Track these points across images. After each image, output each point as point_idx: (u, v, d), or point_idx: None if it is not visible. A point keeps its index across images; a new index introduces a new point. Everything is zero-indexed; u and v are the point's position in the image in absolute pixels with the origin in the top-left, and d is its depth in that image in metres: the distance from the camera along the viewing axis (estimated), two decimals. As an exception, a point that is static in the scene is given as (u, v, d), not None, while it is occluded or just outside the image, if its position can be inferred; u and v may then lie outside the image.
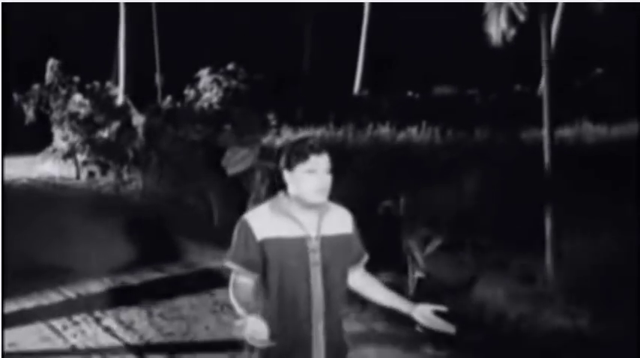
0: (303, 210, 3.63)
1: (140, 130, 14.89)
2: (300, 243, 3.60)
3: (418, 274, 8.22)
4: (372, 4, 24.42)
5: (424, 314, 3.66)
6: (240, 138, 11.30)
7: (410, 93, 22.22)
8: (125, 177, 15.76)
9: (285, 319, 3.59)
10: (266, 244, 3.57)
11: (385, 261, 7.54)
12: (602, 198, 9.60)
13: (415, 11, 25.04)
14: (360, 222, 3.83)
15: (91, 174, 17.09)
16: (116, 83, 21.31)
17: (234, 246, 3.64)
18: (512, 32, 21.80)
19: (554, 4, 23.77)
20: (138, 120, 15.07)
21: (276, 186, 3.63)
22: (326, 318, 3.64)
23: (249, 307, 3.45)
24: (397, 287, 7.44)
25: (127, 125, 15.50)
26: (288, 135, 17.46)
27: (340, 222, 3.77)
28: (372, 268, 3.95)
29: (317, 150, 3.56)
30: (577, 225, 8.22)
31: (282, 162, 3.64)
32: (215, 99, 20.36)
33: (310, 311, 3.61)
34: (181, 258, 10.32)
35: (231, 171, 10.58)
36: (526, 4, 21.32)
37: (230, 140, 11.44)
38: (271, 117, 18.62)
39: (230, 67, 20.61)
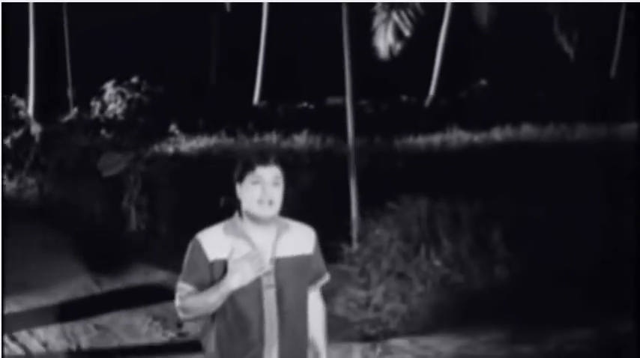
0: (257, 229, 3.57)
1: (37, 139, 16.09)
2: None
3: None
4: (270, 17, 25.76)
5: None
6: (117, 145, 12.60)
7: (305, 104, 23.60)
8: (29, 182, 16.83)
9: (236, 342, 3.51)
10: (216, 266, 3.50)
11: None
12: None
13: (313, 25, 26.48)
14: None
15: (-1, 179, 18.10)
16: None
17: (186, 267, 3.59)
18: (399, 46, 23.60)
19: (440, 19, 25.45)
20: (35, 129, 16.27)
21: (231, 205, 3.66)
22: (281, 342, 3.53)
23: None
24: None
25: (27, 134, 16.64)
26: (183, 143, 18.83)
27: (299, 242, 3.66)
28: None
29: (264, 161, 3.53)
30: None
31: (235, 175, 3.62)
32: (119, 111, 21.63)
33: (262, 335, 3.51)
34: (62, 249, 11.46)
35: (106, 173, 11.93)
36: (411, 19, 23.13)
37: (107, 146, 12.74)
38: (174, 127, 19.88)
39: (134, 80, 21.93)
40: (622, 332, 6.96)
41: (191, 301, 3.50)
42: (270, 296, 3.50)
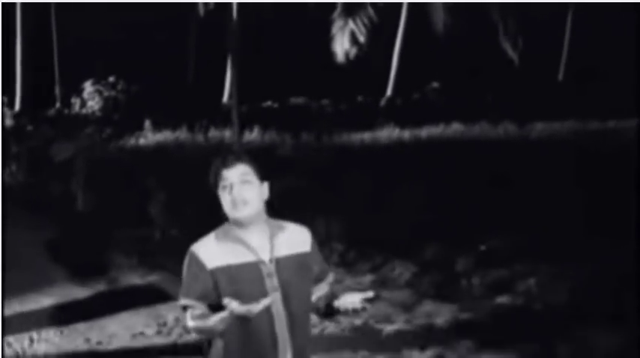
0: (250, 232, 3.43)
1: (8, 130, 18.19)
2: (254, 269, 3.39)
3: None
4: (239, 21, 27.41)
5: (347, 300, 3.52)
6: (66, 134, 14.69)
7: (269, 103, 25.51)
8: (7, 170, 18.85)
9: (247, 350, 3.40)
10: (217, 273, 3.36)
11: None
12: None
13: (278, 31, 28.35)
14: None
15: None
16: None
17: (186, 282, 3.45)
18: (354, 51, 25.59)
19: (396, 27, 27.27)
20: (9, 122, 18.44)
21: None
22: (293, 344, 3.45)
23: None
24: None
25: (3, 127, 18.73)
26: (149, 138, 20.74)
27: (295, 240, 3.55)
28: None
29: (227, 163, 3.39)
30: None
31: (211, 185, 3.47)
32: (96, 107, 23.75)
33: (275, 340, 3.40)
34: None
35: (57, 159, 14.07)
36: (366, 27, 25.07)
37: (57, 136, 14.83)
38: (148, 124, 21.83)
39: (111, 79, 24.03)
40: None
41: (200, 324, 3.35)
42: (276, 299, 3.37)
